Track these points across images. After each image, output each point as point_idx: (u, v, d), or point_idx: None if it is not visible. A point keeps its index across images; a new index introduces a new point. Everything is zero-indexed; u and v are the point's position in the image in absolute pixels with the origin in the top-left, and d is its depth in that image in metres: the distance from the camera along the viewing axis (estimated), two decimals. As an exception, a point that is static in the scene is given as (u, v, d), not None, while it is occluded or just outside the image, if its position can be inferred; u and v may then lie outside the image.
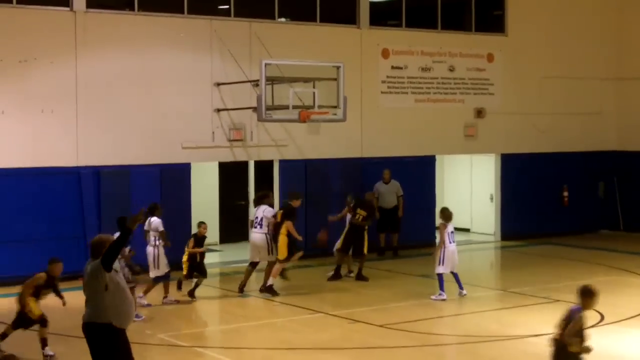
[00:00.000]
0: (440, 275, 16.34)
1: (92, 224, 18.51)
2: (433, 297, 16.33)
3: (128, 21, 19.24)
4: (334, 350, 12.98)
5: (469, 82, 23.84)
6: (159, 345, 13.23)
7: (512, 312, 15.69)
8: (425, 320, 14.85)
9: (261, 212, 17.09)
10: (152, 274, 15.98)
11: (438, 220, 17.23)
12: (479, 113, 23.89)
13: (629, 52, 26.12)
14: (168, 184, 19.43)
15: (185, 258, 16.43)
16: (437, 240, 17.13)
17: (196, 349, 13.20)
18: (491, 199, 24.48)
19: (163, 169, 19.40)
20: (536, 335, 13.62)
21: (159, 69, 19.41)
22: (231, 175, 23.31)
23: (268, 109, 17.87)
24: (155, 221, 15.95)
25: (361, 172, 21.90)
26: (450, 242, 16.37)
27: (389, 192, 21.63)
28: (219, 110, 19.94)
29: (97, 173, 18.72)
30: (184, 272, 16.50)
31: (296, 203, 17.49)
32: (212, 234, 22.41)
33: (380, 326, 14.20)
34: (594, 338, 13.45)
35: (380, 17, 22.75)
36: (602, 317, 14.77)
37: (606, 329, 14.10)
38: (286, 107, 17.91)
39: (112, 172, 18.87)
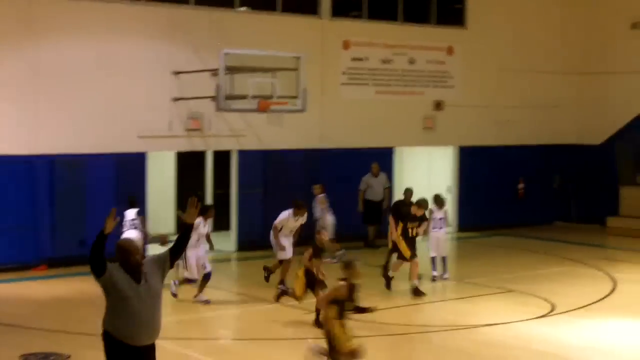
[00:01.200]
0: (431, 259, 17.41)
1: (45, 214, 18.34)
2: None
3: (85, 8, 19.00)
4: (289, 340, 13.00)
5: (429, 75, 23.94)
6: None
7: (467, 302, 15.81)
8: (380, 310, 14.86)
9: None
10: (186, 274, 15.54)
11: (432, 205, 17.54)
12: (438, 105, 24.00)
13: (587, 47, 26.38)
14: (124, 173, 19.27)
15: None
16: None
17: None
18: (449, 191, 24.59)
19: (119, 159, 19.23)
20: (489, 325, 13.77)
21: (116, 57, 19.22)
22: (189, 165, 23.22)
23: (227, 98, 17.83)
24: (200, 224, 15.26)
25: (320, 163, 21.91)
26: (435, 228, 17.29)
27: (378, 185, 21.78)
28: (177, 99, 19.81)
29: (51, 162, 18.50)
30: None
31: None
32: (168, 225, 22.34)
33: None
34: (546, 328, 13.68)
35: (342, 8, 22.75)
36: (554, 307, 14.96)
37: (557, 318, 14.28)
38: (245, 97, 17.88)
39: (67, 161, 18.64)
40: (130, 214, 17.02)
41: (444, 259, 17.52)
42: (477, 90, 24.62)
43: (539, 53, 25.83)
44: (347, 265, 10.32)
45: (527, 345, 12.72)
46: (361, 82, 22.76)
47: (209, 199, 22.09)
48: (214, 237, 22.82)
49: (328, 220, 19.55)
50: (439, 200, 17.63)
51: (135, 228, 16.94)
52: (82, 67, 18.82)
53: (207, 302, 15.31)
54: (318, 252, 14.09)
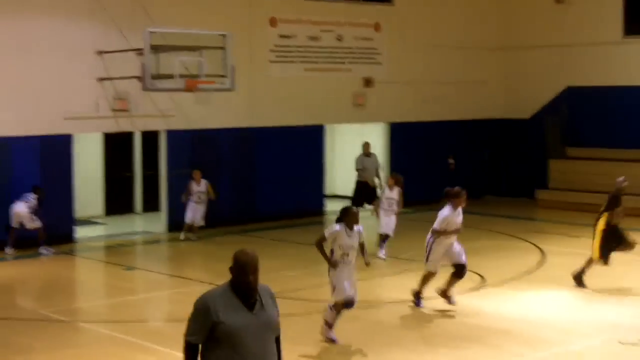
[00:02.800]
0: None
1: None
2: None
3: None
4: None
5: (357, 52, 23.89)
6: (39, 321, 12.90)
7: (398, 277, 15.84)
8: (313, 288, 14.87)
9: None
10: None
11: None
12: (368, 82, 23.98)
13: (513, 22, 26.59)
14: (49, 156, 18.89)
15: None
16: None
17: (78, 324, 12.92)
18: (380, 167, 24.59)
19: (44, 141, 18.84)
20: (421, 299, 13.80)
21: (38, 36, 18.76)
22: (116, 147, 22.88)
23: (153, 78, 17.56)
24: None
25: (250, 141, 21.75)
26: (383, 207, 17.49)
27: (372, 165, 21.32)
28: (102, 79, 19.45)
29: (-27, 146, 18.10)
30: None
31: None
32: (96, 207, 22.01)
33: (268, 295, 14.15)
34: (477, 301, 13.77)
35: (269, -14, 22.57)
36: (484, 280, 15.07)
37: (488, 291, 14.39)
38: (172, 77, 17.62)
39: (-10, 145, 18.26)
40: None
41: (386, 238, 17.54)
42: (405, 67, 24.64)
43: (466, 29, 25.95)
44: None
45: (459, 318, 12.78)
46: (289, 60, 22.61)
47: (138, 181, 21.85)
48: (142, 218, 22.71)
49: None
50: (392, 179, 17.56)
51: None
52: (2, 47, 18.35)
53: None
54: None
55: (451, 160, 25.67)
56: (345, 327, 12.52)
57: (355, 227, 11.52)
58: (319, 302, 13.80)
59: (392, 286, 15.24)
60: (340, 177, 25.91)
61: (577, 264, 16.37)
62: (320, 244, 11.47)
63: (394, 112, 24.60)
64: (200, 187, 19.41)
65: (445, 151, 25.64)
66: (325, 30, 23.23)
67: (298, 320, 12.72)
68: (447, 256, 13.23)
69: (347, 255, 11.47)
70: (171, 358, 10.83)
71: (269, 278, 15.18)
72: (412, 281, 15.33)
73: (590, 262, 14.60)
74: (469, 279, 15.06)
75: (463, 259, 13.17)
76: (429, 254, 13.19)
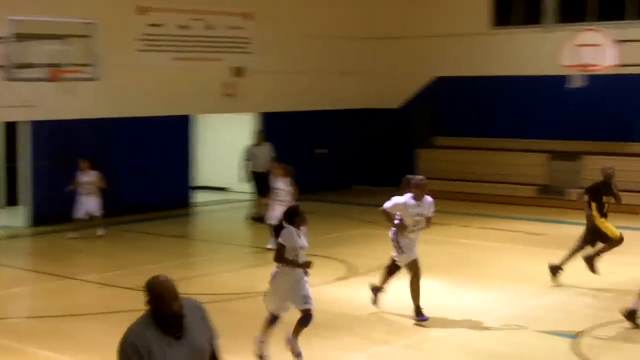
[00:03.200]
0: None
1: None
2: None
3: None
4: (84, 315, 12.61)
5: (228, 41, 23.71)
6: None
7: (267, 268, 15.71)
8: (180, 280, 14.59)
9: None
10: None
11: None
12: (238, 72, 23.84)
13: (383, 12, 26.87)
14: None
15: None
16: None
17: None
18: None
19: None
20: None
21: None
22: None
23: (17, 67, 17.04)
24: None
25: (115, 132, 21.34)
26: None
27: (263, 154, 20.92)
28: (-39, 68, 18.74)
29: None
30: None
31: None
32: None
33: (132, 289, 13.93)
34: (345, 290, 13.87)
35: (136, -26, 22.17)
36: (352, 270, 15.19)
37: (356, 280, 14.50)
38: (35, 66, 17.14)
39: None
40: None
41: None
42: (277, 57, 24.57)
43: (338, 19, 26.08)
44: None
45: (327, 307, 12.78)
46: (158, 49, 22.26)
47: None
48: (4, 212, 22.05)
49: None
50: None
51: None
52: None
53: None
54: None
55: (322, 150, 25.80)
56: (218, 319, 12.42)
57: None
58: (188, 295, 13.68)
59: (261, 277, 15.15)
60: (210, 169, 25.72)
61: (442, 251, 16.74)
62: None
63: (266, 103, 24.53)
64: (88, 177, 18.74)
65: (315, 141, 25.75)
66: (196, 19, 22.96)
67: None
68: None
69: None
70: (33, 357, 10.55)
71: (136, 271, 15.15)
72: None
73: (610, 243, 14.12)
74: (336, 269, 15.20)
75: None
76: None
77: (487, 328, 11.71)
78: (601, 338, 10.41)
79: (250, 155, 20.98)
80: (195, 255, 17.76)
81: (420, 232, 12.33)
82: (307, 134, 25.43)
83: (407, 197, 12.19)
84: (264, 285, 14.14)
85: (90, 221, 18.56)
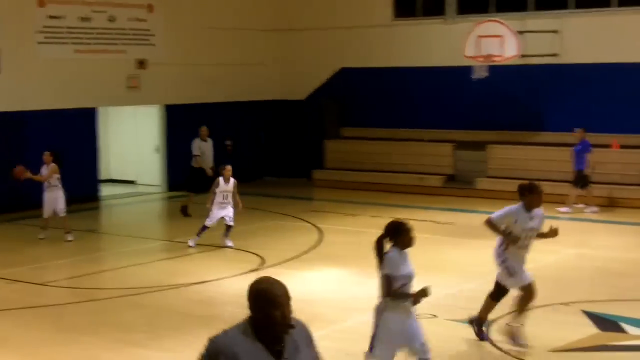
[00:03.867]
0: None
1: None
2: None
3: None
4: (-10, 313, 12.29)
5: (130, 33, 23.33)
6: None
7: (178, 262, 15.66)
8: (89, 275, 14.46)
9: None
10: None
11: None
12: (141, 64, 23.49)
13: (287, 4, 26.82)
14: None
15: None
16: None
17: None
18: (157, 150, 24.27)
19: None
20: (201, 283, 13.69)
21: None
22: None
23: None
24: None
25: (18, 126, 20.81)
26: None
27: (209, 151, 20.37)
28: None
29: None
30: None
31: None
32: None
33: (41, 284, 13.62)
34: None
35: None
36: (264, 261, 15.12)
37: (268, 271, 14.39)
38: None
39: None
40: None
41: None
42: (181, 49, 24.30)
43: (242, 11, 25.92)
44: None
45: (237, 300, 12.60)
46: (59, 41, 21.76)
47: None
48: None
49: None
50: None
51: None
52: None
53: None
54: None
55: (229, 142, 25.60)
56: (129, 313, 12.26)
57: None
58: (91, 290, 13.46)
59: (172, 270, 15.02)
60: (115, 161, 25.33)
61: (354, 241, 16.81)
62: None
63: (170, 95, 24.23)
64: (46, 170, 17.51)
65: (222, 133, 25.51)
66: (97, 10, 22.52)
67: (70, 309, 12.34)
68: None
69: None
70: None
71: (40, 267, 14.82)
72: (190, 265, 15.21)
73: None
74: (248, 261, 15.10)
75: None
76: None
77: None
78: (511, 325, 10.51)
79: (198, 151, 20.35)
80: (104, 249, 17.44)
81: (529, 249, 10.47)
82: (213, 126, 25.13)
83: (519, 207, 10.29)
84: (174, 278, 14.05)
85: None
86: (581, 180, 19.91)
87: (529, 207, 10.19)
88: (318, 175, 25.34)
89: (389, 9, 25.69)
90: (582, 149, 19.92)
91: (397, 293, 8.10)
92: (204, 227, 16.37)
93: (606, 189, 20.84)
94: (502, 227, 10.23)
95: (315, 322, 11.51)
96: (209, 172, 19.74)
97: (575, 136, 20.30)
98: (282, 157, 26.81)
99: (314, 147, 25.86)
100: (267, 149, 26.90)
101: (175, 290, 13.39)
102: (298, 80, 26.71)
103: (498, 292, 10.56)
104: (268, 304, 4.35)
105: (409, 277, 8.19)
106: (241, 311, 11.77)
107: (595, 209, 19.90)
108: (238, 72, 25.81)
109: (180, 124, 24.28)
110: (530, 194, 10.19)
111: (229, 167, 16.38)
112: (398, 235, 8.18)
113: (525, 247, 10.32)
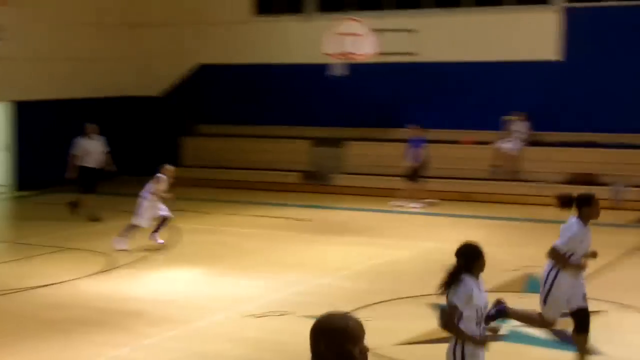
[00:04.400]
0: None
1: None
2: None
3: None
4: None
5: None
6: None
7: (22, 264, 15.04)
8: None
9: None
10: None
11: None
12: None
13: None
14: None
15: None
16: None
17: None
18: (6, 148, 23.39)
19: None
20: (47, 285, 13.20)
21: None
22: None
23: None
24: None
25: None
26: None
27: (95, 149, 19.36)
28: None
29: None
30: None
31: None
32: None
33: None
34: (106, 283, 13.36)
35: None
36: (113, 262, 14.71)
37: (117, 273, 14.08)
38: None
39: None
40: None
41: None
42: (32, 43, 23.47)
43: (96, 5, 25.28)
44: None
45: (87, 302, 12.34)
46: None
47: None
48: None
49: None
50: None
51: None
52: None
53: None
54: None
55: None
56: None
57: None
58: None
59: (16, 273, 14.42)
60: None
61: (210, 240, 16.58)
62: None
63: (19, 91, 23.36)
64: None
65: (76, 131, 24.78)
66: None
67: None
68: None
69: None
70: None
71: None
72: (36, 267, 14.64)
73: None
74: (96, 262, 14.65)
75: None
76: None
77: (251, 316, 11.60)
78: (365, 320, 10.52)
79: (80, 150, 19.53)
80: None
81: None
82: (66, 122, 24.41)
83: (578, 224, 8.98)
84: (22, 281, 13.47)
85: None
86: (414, 174, 20.22)
87: (587, 220, 9.02)
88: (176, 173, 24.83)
89: (247, 6, 25.50)
90: (416, 144, 20.28)
91: (459, 331, 6.94)
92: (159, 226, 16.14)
93: (458, 183, 21.26)
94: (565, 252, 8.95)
95: (165, 324, 11.31)
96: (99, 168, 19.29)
97: (410, 132, 20.63)
98: (137, 155, 26.15)
99: (170, 144, 25.40)
100: (122, 146, 26.21)
101: (21, 294, 12.87)
102: (154, 77, 26.21)
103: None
104: (347, 340, 3.90)
105: (483, 309, 7.09)
106: (88, 312, 11.33)
107: (422, 204, 20.11)
108: (93, 68, 25.12)
109: (33, 121, 23.47)
110: (590, 206, 8.99)
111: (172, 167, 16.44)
112: (471, 262, 6.99)
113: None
